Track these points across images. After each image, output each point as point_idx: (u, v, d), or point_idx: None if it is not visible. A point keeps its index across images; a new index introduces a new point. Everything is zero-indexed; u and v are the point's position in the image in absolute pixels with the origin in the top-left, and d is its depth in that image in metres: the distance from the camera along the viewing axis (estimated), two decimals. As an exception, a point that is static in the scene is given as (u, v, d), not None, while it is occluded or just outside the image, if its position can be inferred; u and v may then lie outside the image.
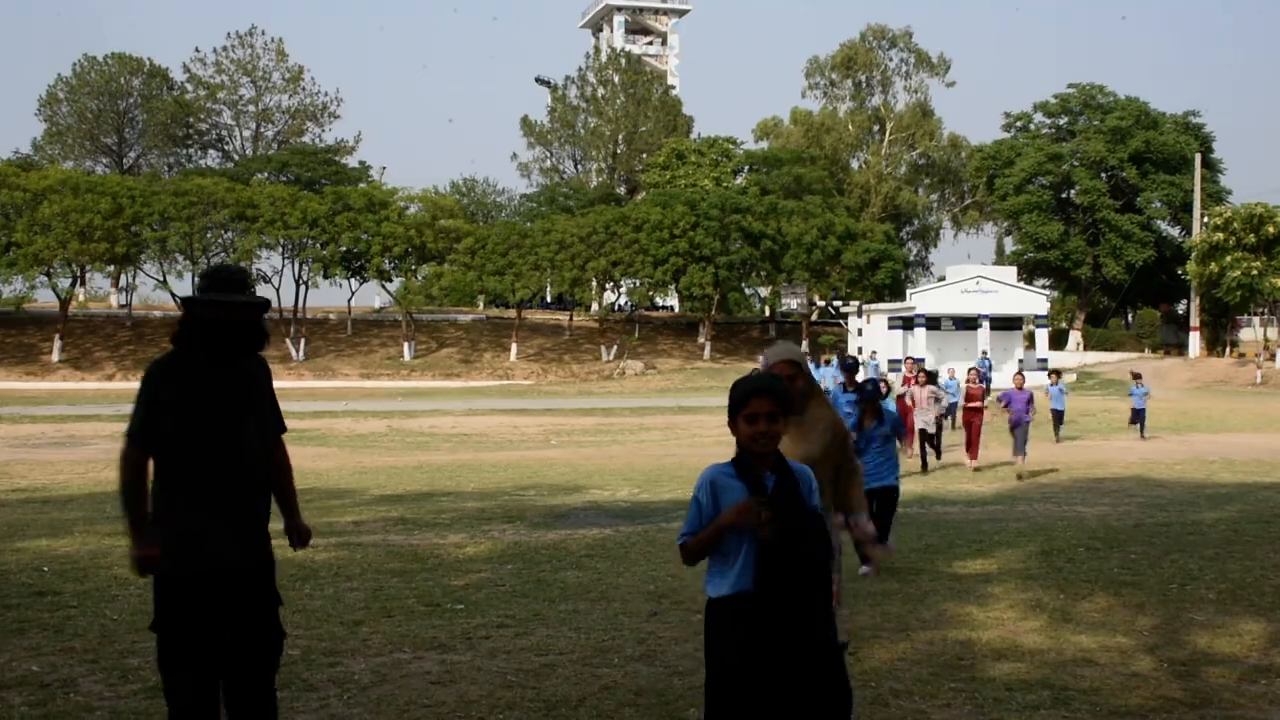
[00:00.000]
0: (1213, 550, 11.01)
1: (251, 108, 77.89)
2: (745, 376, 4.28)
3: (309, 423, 33.08)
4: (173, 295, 60.37)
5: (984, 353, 51.11)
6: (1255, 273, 54.60)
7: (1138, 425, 27.47)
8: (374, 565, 10.46)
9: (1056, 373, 27.47)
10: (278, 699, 6.14)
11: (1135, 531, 12.28)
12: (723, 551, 4.15)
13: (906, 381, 24.08)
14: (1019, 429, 19.24)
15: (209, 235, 58.97)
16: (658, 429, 30.89)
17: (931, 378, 22.09)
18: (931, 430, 20.69)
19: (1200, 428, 31.21)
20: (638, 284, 69.41)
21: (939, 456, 21.32)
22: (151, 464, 4.54)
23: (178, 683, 4.43)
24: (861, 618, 8.32)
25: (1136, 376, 28.83)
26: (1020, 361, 52.71)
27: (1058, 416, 25.66)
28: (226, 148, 77.01)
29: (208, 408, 4.51)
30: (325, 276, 63.18)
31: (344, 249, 61.19)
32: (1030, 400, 19.80)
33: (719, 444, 23.59)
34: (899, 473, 11.09)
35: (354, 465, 21.33)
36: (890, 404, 14.34)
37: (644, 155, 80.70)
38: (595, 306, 72.11)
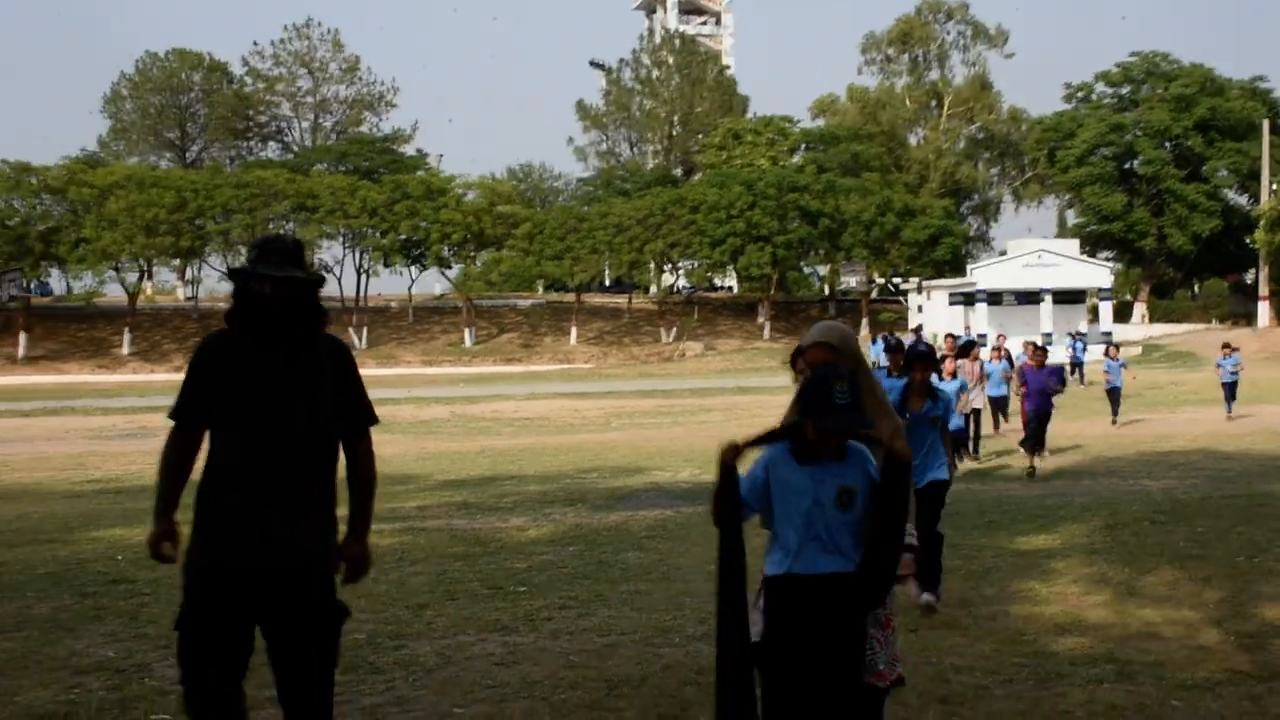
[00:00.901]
0: (1281, 522, 10.86)
1: (310, 99, 78.77)
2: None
3: (373, 410, 33.40)
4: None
5: (1077, 333, 47.39)
6: (1325, 240, 53.48)
7: (1229, 401, 24.59)
8: (438, 549, 10.59)
9: (1115, 346, 25.74)
10: (344, 683, 6.26)
11: (1202, 504, 12.12)
12: (775, 531, 4.20)
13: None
14: (1035, 419, 16.15)
15: (271, 226, 59.69)
16: (719, 410, 30.88)
17: (964, 350, 19.24)
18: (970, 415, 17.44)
19: (1269, 399, 30.63)
20: (695, 265, 69.33)
21: (963, 456, 16.81)
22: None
23: (194, 681, 4.09)
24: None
25: (1226, 347, 25.53)
26: (1074, 333, 49.75)
27: (1114, 395, 23.41)
28: (286, 139, 77.99)
29: (252, 389, 4.12)
30: (385, 265, 63.82)
31: (403, 237, 61.74)
32: (1059, 378, 17.19)
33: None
34: (946, 461, 8.53)
35: (418, 451, 21.56)
36: (947, 384, 14.13)
37: (700, 136, 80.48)
38: (654, 289, 72.14)
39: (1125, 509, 11.96)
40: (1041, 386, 16.33)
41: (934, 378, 8.53)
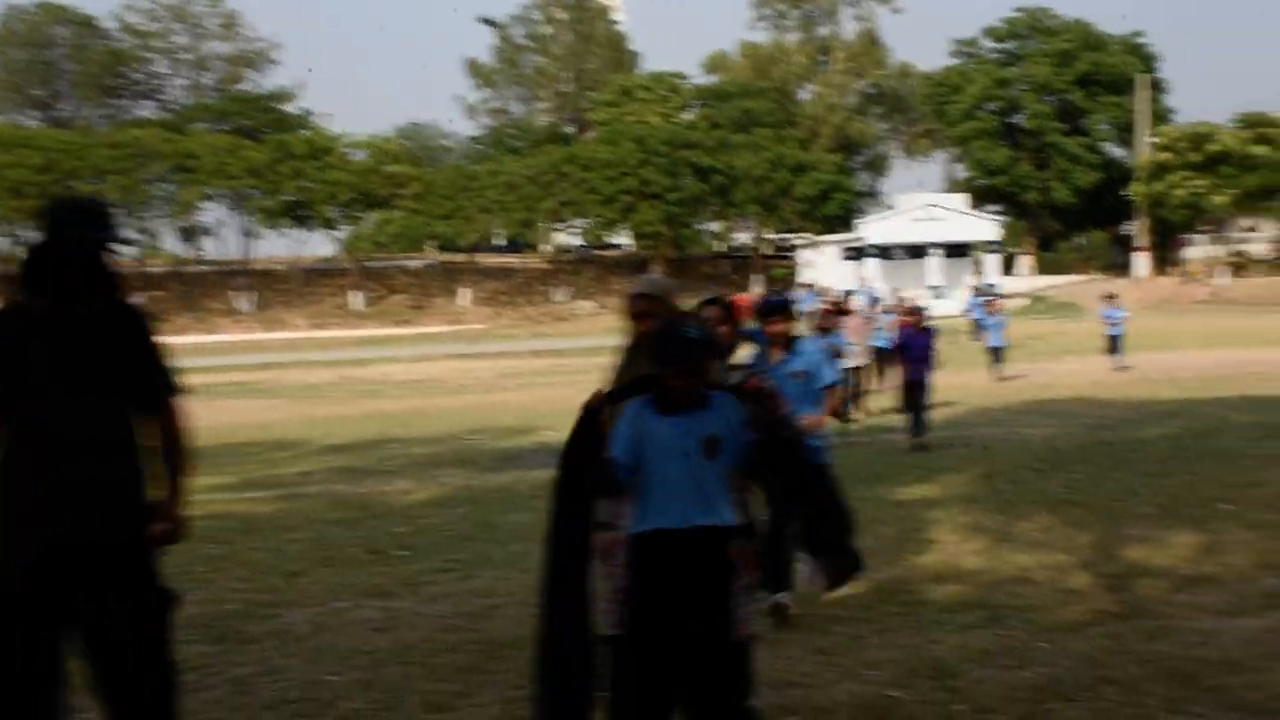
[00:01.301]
0: (1154, 466, 11.16)
1: (187, 56, 76.36)
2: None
3: (257, 374, 32.81)
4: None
5: (981, 287, 43.11)
6: (1200, 191, 55.03)
7: (1114, 354, 24.35)
8: (317, 515, 10.40)
9: (991, 300, 25.32)
10: (213, 654, 6.10)
11: (1079, 451, 12.42)
12: (641, 487, 4.10)
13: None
14: (916, 388, 14.11)
15: (148, 188, 57.94)
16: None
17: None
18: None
19: (1146, 346, 31.46)
20: (588, 223, 69.04)
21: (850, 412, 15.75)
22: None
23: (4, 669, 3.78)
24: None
25: (1110, 297, 25.22)
26: (979, 288, 50.05)
27: (995, 353, 23.01)
28: (163, 98, 75.52)
29: (28, 363, 3.83)
30: (271, 227, 62.43)
31: (288, 198, 60.38)
32: (930, 344, 14.68)
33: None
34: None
35: (302, 416, 21.18)
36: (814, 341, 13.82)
37: (591, 93, 79.96)
38: (547, 248, 71.73)
39: (1005, 458, 12.20)
40: (923, 351, 14.51)
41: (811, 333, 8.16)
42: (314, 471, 13.65)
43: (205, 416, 22.38)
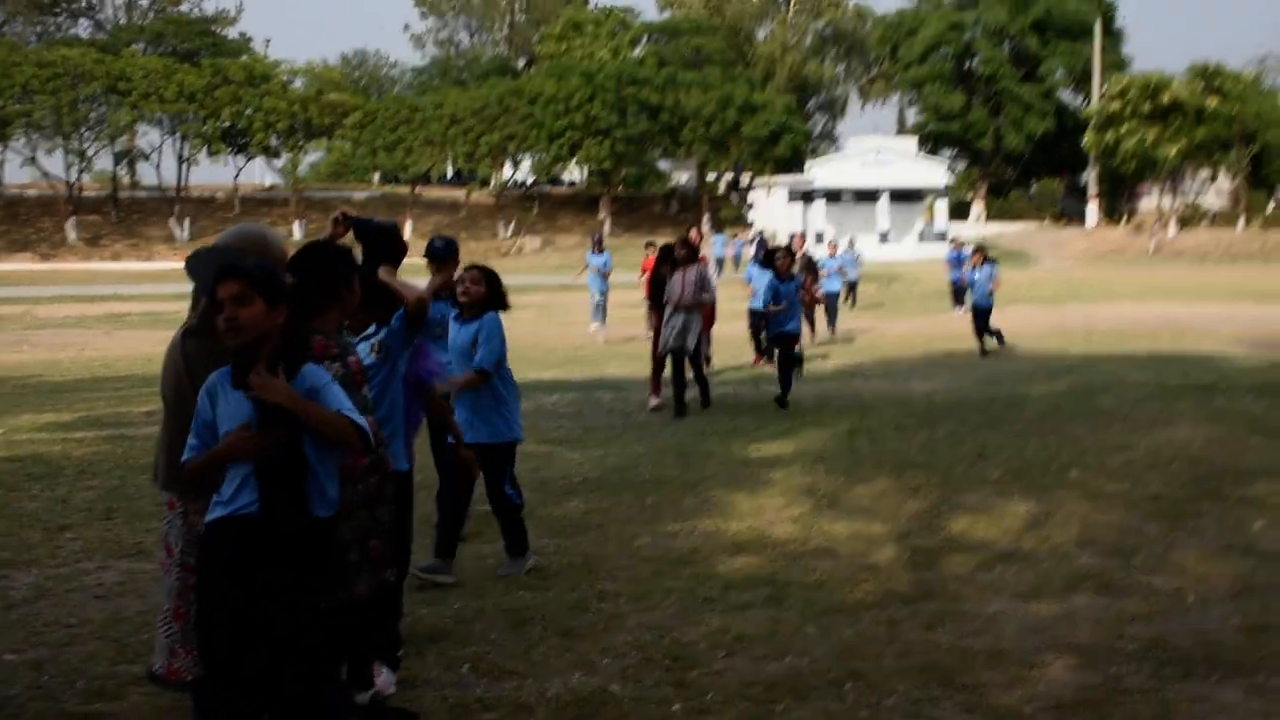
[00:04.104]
0: (1023, 426, 10.69)
1: (126, -26, 73.92)
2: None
3: (180, 304, 31.86)
4: (44, 174, 57.96)
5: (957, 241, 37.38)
6: (1150, 142, 54.57)
7: (962, 302, 23.12)
8: (134, 460, 9.71)
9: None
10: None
11: (955, 408, 11.93)
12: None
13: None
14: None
15: (80, 109, 56.19)
16: (532, 307, 30.16)
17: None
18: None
19: (1081, 297, 31.21)
20: (535, 159, 67.90)
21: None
22: None
23: None
24: (620, 508, 7.83)
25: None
26: (955, 241, 49.10)
27: (831, 300, 21.12)
28: (98, 17, 73.22)
29: None
30: (209, 154, 60.84)
31: (226, 124, 58.81)
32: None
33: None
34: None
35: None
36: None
37: (542, 26, 78.37)
38: (493, 182, 70.53)
39: (878, 413, 11.68)
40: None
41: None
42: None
43: (99, 347, 21.70)
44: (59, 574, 6.42)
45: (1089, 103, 64.43)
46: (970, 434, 10.32)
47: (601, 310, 21.47)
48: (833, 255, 23.74)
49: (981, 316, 17.99)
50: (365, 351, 4.51)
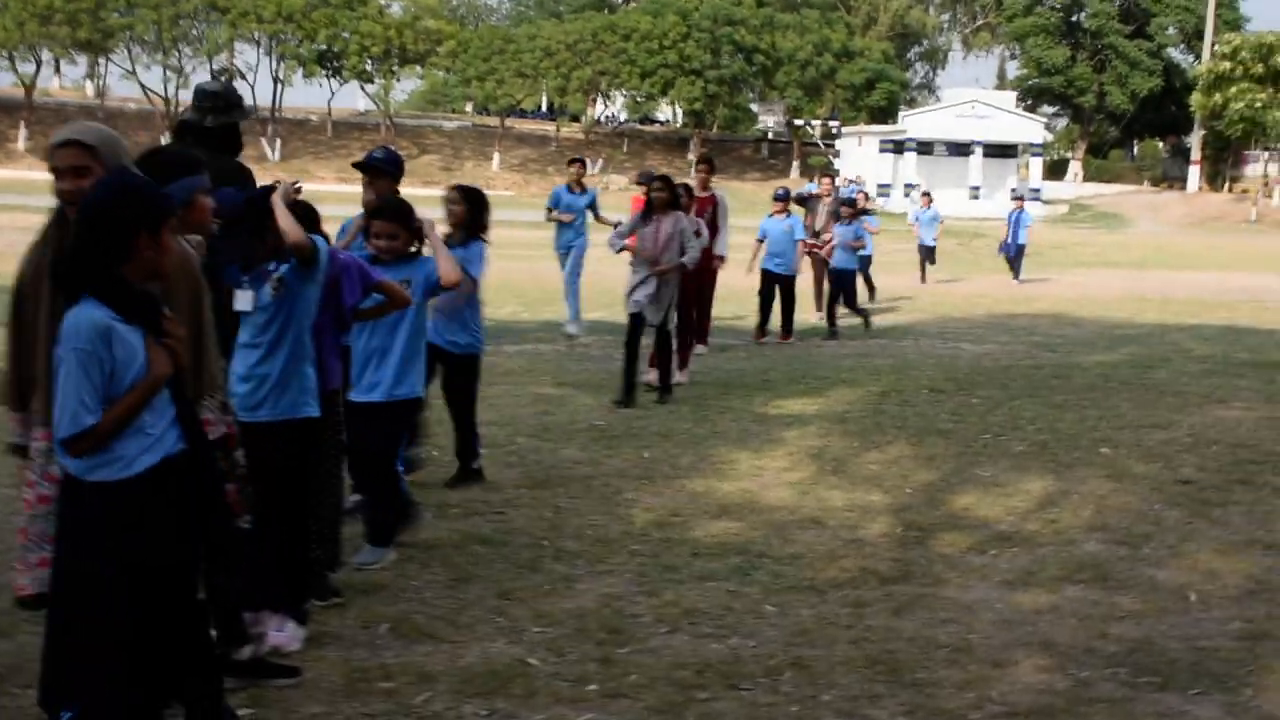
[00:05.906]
0: (1066, 397, 10.15)
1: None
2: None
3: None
4: (143, 88, 58.64)
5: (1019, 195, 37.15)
6: (1259, 105, 52.30)
7: (1013, 264, 22.32)
8: None
9: (926, 195, 23.09)
10: None
11: (1000, 373, 11.40)
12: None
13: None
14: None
15: (180, 25, 56.72)
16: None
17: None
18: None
19: (1167, 264, 30.11)
20: (627, 96, 67.27)
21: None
22: None
23: None
24: (614, 460, 7.52)
25: (1019, 199, 23.21)
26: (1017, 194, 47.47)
27: (926, 251, 21.69)
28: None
29: None
30: (304, 76, 61.15)
31: (321, 47, 59.02)
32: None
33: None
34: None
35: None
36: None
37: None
38: (585, 118, 70.04)
39: (916, 375, 11.20)
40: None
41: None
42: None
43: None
44: None
45: (1199, 62, 61.95)
46: (1007, 402, 9.83)
47: None
48: (926, 208, 22.90)
49: (840, 281, 14.31)
50: (266, 293, 4.24)
